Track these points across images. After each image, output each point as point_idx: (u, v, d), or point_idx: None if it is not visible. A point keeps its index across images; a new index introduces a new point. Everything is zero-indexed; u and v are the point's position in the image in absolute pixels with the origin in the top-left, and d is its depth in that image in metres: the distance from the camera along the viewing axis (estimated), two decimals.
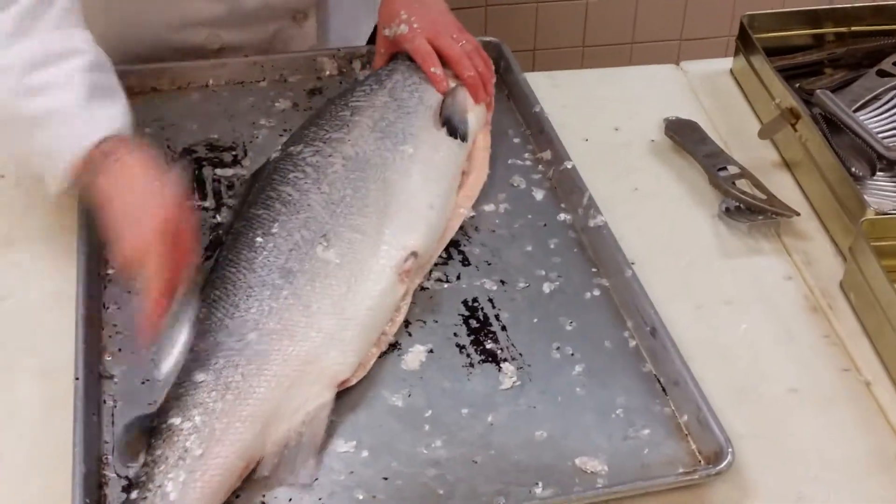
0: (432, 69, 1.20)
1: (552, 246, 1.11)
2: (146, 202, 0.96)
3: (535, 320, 1.03)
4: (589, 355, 1.00)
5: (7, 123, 1.02)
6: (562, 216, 1.15)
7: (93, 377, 0.93)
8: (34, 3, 1.02)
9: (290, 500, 0.87)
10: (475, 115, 1.20)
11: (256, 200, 1.04)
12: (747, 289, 1.10)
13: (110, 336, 0.99)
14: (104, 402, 0.93)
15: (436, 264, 1.08)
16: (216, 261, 1.00)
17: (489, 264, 1.09)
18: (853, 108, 1.26)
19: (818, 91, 1.28)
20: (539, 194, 1.18)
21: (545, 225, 1.14)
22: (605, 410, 0.94)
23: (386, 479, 0.88)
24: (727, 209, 1.18)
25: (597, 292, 1.06)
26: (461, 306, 1.04)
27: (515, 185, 1.20)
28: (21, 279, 1.06)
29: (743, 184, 1.19)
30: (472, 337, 1.01)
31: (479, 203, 1.16)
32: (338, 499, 0.87)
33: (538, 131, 1.25)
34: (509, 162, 1.23)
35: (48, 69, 1.01)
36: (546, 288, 1.06)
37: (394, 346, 0.99)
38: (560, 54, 2.52)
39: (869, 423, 0.97)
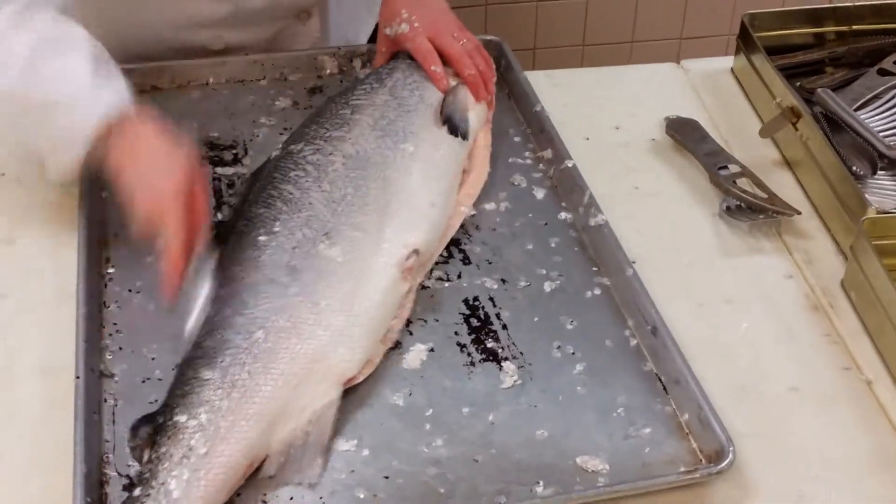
0: (433, 67, 1.20)
1: (553, 245, 1.11)
2: (160, 166, 1.00)
3: (536, 319, 1.03)
4: (590, 354, 1.00)
5: (18, 113, 1.04)
6: (562, 215, 1.15)
7: (93, 376, 0.93)
8: (28, 2, 1.04)
9: (292, 498, 0.87)
10: (476, 114, 1.20)
11: (258, 199, 1.04)
12: (748, 288, 1.10)
13: (111, 334, 0.99)
14: (105, 400, 0.93)
15: (436, 263, 1.08)
16: (218, 261, 1.00)
17: (490, 263, 1.09)
18: (854, 107, 1.26)
19: (819, 90, 1.28)
20: (540, 193, 1.18)
21: (546, 224, 1.14)
22: (606, 409, 0.94)
23: (387, 477, 0.88)
24: (728, 208, 1.18)
25: (597, 291, 1.06)
26: (462, 305, 1.04)
27: (516, 183, 1.20)
28: (21, 278, 1.06)
29: (744, 182, 1.19)
30: (472, 336, 1.01)
31: (479, 202, 1.16)
32: (339, 497, 0.87)
33: (539, 130, 1.25)
34: (510, 161, 1.23)
35: (51, 57, 1.03)
36: (547, 287, 1.06)
37: (395, 345, 0.99)
38: (560, 53, 2.52)
39: (870, 422, 0.97)
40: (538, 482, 0.88)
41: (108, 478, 0.87)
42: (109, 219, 1.11)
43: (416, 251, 1.02)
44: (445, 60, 1.22)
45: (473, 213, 1.14)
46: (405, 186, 1.07)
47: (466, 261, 1.09)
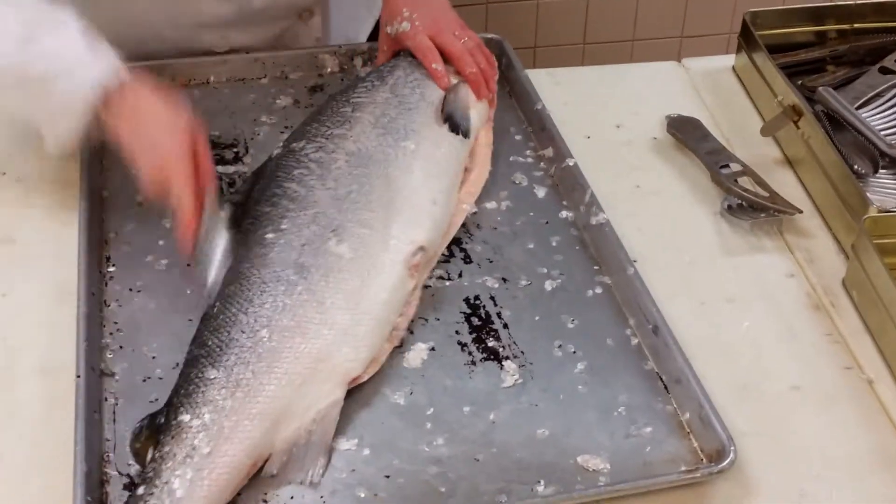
0: (434, 65, 1.20)
1: (554, 243, 1.11)
2: (162, 127, 1.03)
3: (537, 318, 1.03)
4: (591, 353, 0.99)
5: (15, 87, 1.05)
6: (563, 214, 1.15)
7: (94, 375, 0.93)
8: None
9: (292, 497, 0.86)
10: (477, 112, 1.20)
11: (262, 198, 1.04)
12: (749, 286, 1.10)
13: (111, 333, 0.99)
14: (105, 399, 0.93)
15: (437, 262, 1.08)
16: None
17: (491, 262, 1.09)
18: (856, 106, 1.26)
19: (820, 88, 1.28)
20: (541, 192, 1.18)
21: (547, 222, 1.14)
22: (606, 408, 0.94)
23: (388, 477, 0.88)
24: (729, 206, 1.18)
25: (599, 290, 1.06)
26: (463, 304, 1.04)
27: (517, 182, 1.19)
28: (22, 276, 1.06)
29: (745, 181, 1.19)
30: (473, 335, 1.01)
31: (480, 200, 1.15)
32: (339, 497, 0.87)
33: (540, 128, 1.25)
34: (511, 159, 1.23)
35: (45, 32, 1.04)
36: (548, 286, 1.06)
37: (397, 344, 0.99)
38: (561, 51, 2.52)
39: (871, 421, 0.97)
40: (539, 481, 0.88)
41: (108, 477, 0.87)
42: (109, 218, 1.11)
43: (422, 248, 1.02)
44: (447, 58, 1.21)
45: (475, 210, 1.14)
46: (407, 184, 1.07)
47: (467, 260, 1.09)
